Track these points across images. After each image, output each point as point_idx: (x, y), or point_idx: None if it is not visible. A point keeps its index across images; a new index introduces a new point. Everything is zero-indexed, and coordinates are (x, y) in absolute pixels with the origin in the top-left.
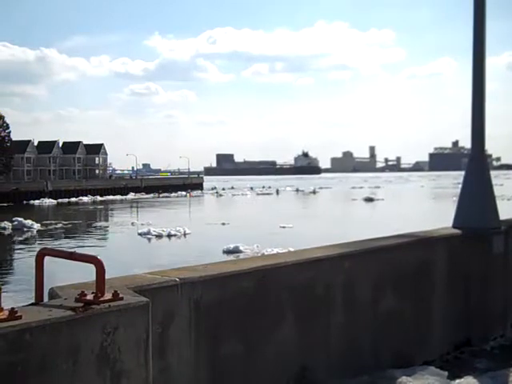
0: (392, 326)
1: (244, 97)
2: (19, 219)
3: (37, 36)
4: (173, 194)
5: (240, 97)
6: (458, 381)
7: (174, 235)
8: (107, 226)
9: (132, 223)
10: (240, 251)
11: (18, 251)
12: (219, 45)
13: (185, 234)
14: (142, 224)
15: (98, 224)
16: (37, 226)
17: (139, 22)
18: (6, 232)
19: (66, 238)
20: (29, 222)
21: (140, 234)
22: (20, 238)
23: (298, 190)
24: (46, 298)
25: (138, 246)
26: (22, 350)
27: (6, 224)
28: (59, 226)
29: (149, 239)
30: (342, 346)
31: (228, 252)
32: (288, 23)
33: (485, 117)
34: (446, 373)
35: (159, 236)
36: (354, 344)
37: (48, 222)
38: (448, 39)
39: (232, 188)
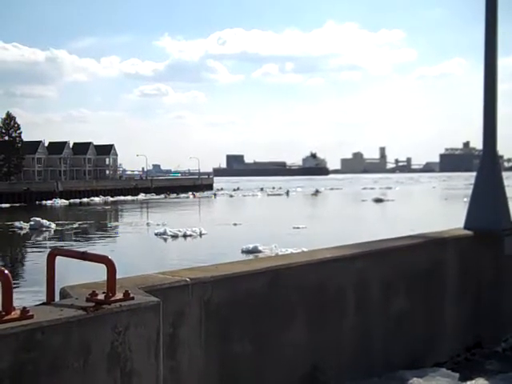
0: (403, 326)
1: (254, 97)
2: (37, 219)
3: (47, 37)
4: (182, 195)
5: (250, 97)
6: (469, 383)
7: (190, 235)
8: (123, 227)
9: (147, 223)
10: (259, 251)
11: (38, 250)
12: (229, 46)
13: (201, 235)
14: (158, 225)
15: (113, 224)
16: (54, 225)
17: (149, 23)
18: (23, 232)
19: (83, 238)
20: (46, 221)
21: (157, 235)
22: (39, 238)
23: (317, 192)
24: (57, 298)
25: (156, 246)
26: (34, 349)
27: (23, 224)
28: (75, 226)
29: (165, 239)
30: (353, 346)
31: (247, 252)
32: (297, 24)
33: (497, 117)
34: (458, 374)
35: (175, 236)
36: (365, 345)
37: (63, 222)
38: (459, 39)
39: (238, 189)
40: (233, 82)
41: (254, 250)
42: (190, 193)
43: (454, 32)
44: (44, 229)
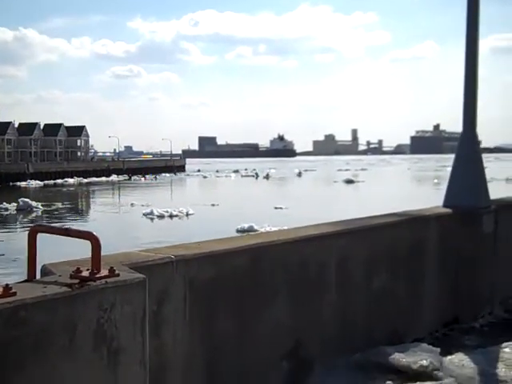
0: (384, 303)
1: (227, 79)
2: (25, 200)
3: (16, 16)
4: (134, 177)
5: (223, 79)
6: (449, 357)
7: (177, 216)
8: (108, 207)
9: (131, 204)
10: (255, 230)
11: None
12: (202, 27)
13: (187, 215)
14: (142, 205)
15: (97, 205)
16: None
17: (121, 3)
18: (8, 212)
19: (73, 218)
20: (34, 202)
21: (145, 215)
22: (27, 219)
23: (300, 174)
24: (38, 277)
25: (148, 226)
26: (17, 326)
27: (8, 205)
28: (61, 206)
29: (152, 219)
30: (336, 323)
31: (242, 231)
32: (271, 6)
33: (477, 97)
34: (439, 349)
35: (161, 216)
36: (347, 322)
37: (46, 203)
38: (431, 23)
39: (199, 171)
40: (206, 64)
41: (250, 230)
42: (141, 176)
43: (426, 15)
44: (34, 209)
